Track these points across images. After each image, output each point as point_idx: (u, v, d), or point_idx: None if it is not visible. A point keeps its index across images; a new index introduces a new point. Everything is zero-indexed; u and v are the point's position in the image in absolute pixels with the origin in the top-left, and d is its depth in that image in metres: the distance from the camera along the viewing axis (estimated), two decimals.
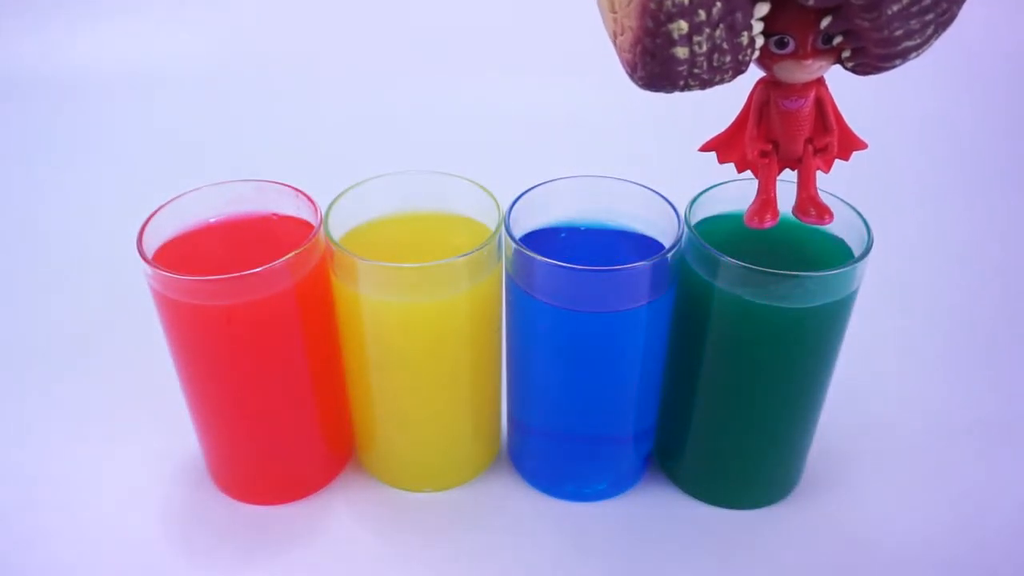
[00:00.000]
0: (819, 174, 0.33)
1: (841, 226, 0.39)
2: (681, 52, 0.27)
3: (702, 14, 0.26)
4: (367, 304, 0.38)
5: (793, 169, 0.33)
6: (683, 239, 0.37)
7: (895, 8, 0.26)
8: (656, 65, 0.27)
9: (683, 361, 0.41)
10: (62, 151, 0.78)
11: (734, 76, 0.28)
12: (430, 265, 0.36)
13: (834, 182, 0.41)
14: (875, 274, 0.43)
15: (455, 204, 0.42)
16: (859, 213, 0.38)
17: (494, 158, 0.59)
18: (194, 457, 0.45)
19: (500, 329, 0.42)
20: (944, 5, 0.27)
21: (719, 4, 0.26)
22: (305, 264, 0.37)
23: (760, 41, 0.28)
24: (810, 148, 0.32)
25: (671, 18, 0.26)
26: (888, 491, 0.44)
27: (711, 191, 0.40)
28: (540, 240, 0.40)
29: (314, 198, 0.40)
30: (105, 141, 0.79)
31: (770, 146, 0.33)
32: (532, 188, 0.40)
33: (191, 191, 0.40)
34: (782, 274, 0.35)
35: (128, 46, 0.88)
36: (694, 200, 0.39)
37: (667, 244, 0.37)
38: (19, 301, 0.59)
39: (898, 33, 0.27)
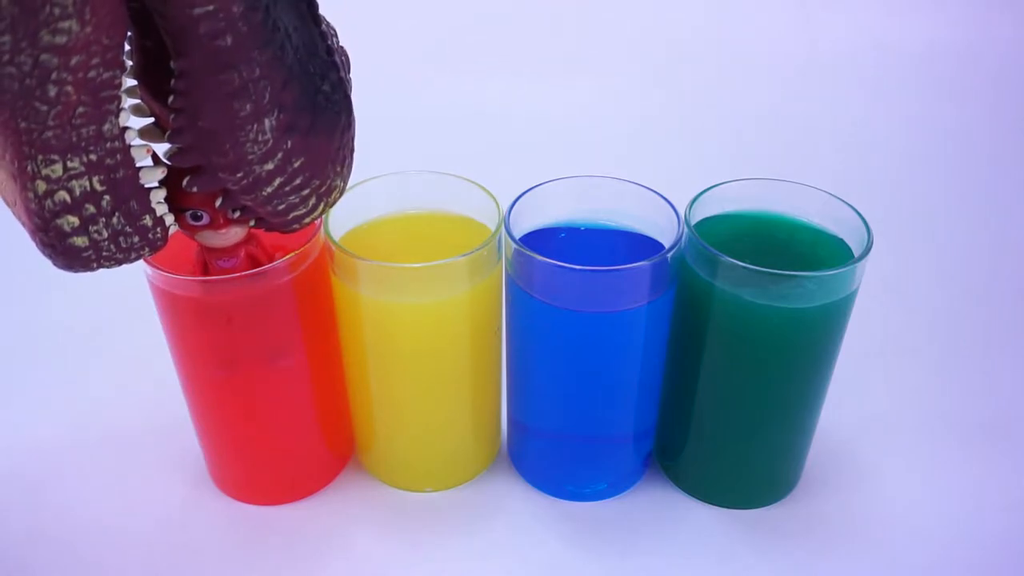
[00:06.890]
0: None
1: (841, 226, 0.39)
2: (80, 241, 0.26)
3: (91, 208, 0.26)
4: (367, 304, 0.38)
5: None
6: (683, 239, 0.37)
7: (268, 191, 0.28)
8: (59, 256, 0.27)
9: (683, 361, 0.41)
10: None
11: (154, 250, 0.29)
12: (430, 265, 0.36)
13: (834, 182, 0.41)
14: (875, 274, 0.43)
15: (455, 204, 0.42)
16: (859, 213, 0.38)
17: (494, 158, 0.59)
18: (194, 457, 0.45)
19: (500, 329, 0.42)
20: (317, 182, 0.29)
21: (108, 197, 0.26)
22: (305, 264, 0.37)
23: (170, 219, 0.29)
24: None
25: (57, 215, 0.25)
26: (887, 491, 0.44)
27: (711, 191, 0.40)
28: (540, 240, 0.40)
29: None
30: None
31: None
32: (532, 188, 0.40)
33: None
34: (782, 274, 0.35)
35: None
36: (694, 200, 0.39)
37: (667, 244, 0.37)
38: (19, 300, 0.59)
39: (281, 208, 0.29)
